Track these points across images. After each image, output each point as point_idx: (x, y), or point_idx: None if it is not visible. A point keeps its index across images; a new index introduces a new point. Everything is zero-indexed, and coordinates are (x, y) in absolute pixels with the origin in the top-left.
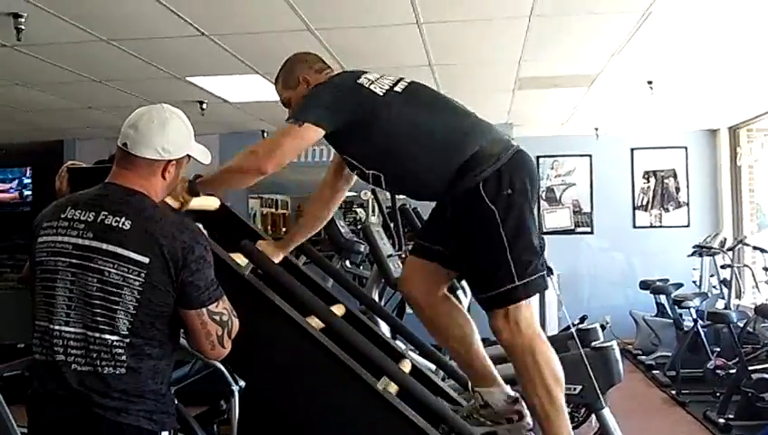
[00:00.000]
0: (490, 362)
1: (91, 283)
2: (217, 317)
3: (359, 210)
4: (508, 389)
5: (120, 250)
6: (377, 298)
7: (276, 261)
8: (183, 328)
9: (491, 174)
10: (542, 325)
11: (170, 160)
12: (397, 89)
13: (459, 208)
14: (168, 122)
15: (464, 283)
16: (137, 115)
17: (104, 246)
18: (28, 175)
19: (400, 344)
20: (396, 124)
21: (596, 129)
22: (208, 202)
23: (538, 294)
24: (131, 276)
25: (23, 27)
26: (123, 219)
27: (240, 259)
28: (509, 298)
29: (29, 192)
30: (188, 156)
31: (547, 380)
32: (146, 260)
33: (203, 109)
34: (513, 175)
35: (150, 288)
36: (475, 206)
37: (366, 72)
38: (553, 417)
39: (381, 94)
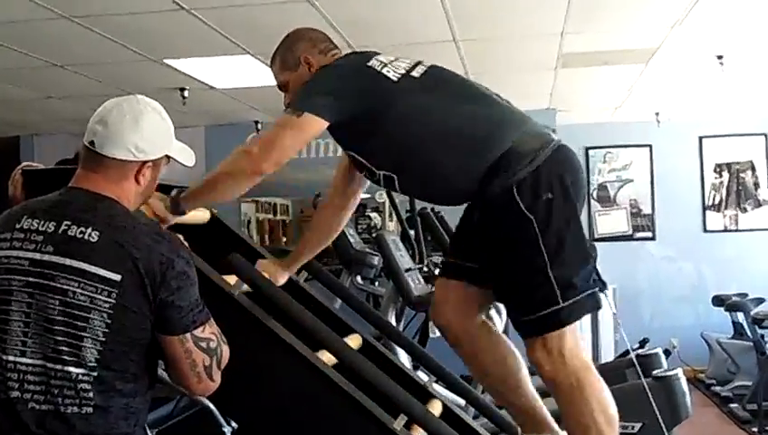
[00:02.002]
0: (541, 404)
1: (51, 305)
2: (204, 344)
3: (373, 215)
4: None
5: (86, 266)
6: (393, 321)
7: (280, 282)
8: (163, 358)
9: (527, 175)
10: (594, 351)
11: (145, 162)
12: (414, 74)
13: (489, 214)
14: (143, 116)
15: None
16: (106, 108)
17: (67, 261)
18: None
19: (422, 376)
20: (412, 116)
21: (656, 114)
22: (195, 216)
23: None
24: (100, 297)
25: None
26: (90, 230)
27: (232, 281)
28: (551, 323)
29: None
30: (167, 157)
31: (598, 420)
32: (117, 277)
33: (184, 97)
34: (554, 176)
35: (123, 311)
36: (509, 213)
37: (378, 54)
38: None
39: (395, 80)
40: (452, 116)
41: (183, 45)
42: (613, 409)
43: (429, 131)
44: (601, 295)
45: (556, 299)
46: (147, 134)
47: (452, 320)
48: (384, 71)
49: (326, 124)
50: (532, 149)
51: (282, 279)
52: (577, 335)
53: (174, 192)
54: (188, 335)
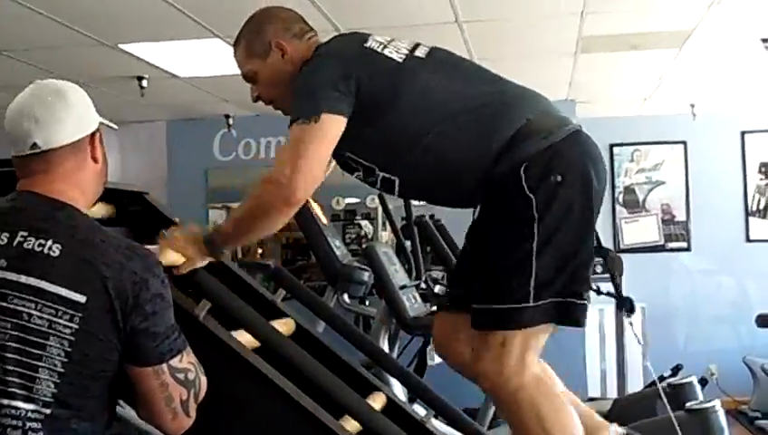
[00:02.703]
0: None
1: (3, 329)
2: (182, 375)
3: (363, 223)
4: None
5: (44, 285)
6: (386, 347)
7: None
8: (132, 393)
9: (539, 151)
10: (620, 380)
11: (93, 134)
12: (418, 54)
13: (492, 195)
14: (66, 93)
15: None
16: (19, 108)
17: (23, 278)
18: None
19: (420, 410)
20: (424, 98)
21: (692, 106)
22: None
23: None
24: (61, 321)
25: None
26: (50, 243)
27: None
28: (509, 320)
29: None
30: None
31: None
32: (81, 299)
33: (142, 87)
34: (568, 159)
35: (87, 338)
36: (510, 193)
37: (371, 35)
38: None
39: (400, 61)
40: (464, 98)
41: (141, 28)
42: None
43: (441, 117)
44: (585, 311)
45: (527, 296)
46: (79, 105)
47: (463, 354)
48: (386, 52)
49: (345, 119)
50: (546, 127)
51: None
52: (536, 345)
53: (204, 232)
54: (164, 366)
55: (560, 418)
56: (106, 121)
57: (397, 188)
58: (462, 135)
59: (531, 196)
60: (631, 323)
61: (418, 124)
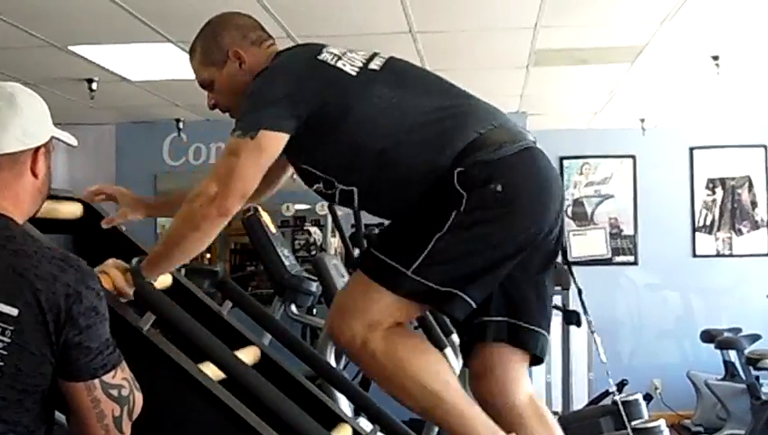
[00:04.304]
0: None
1: None
2: (115, 392)
3: (313, 230)
4: None
5: None
6: (332, 360)
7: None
8: (65, 407)
9: (485, 161)
10: (565, 393)
11: (37, 148)
12: (373, 66)
13: (424, 198)
14: (16, 98)
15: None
16: None
17: None
18: None
19: (365, 424)
20: (377, 113)
21: (642, 120)
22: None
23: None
24: None
25: None
26: None
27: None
28: (385, 275)
29: None
30: (53, 139)
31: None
32: (13, 312)
33: (92, 90)
34: (516, 174)
35: (19, 352)
36: (444, 187)
37: (326, 46)
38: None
39: (354, 74)
40: (419, 111)
41: (92, 30)
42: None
43: (395, 130)
44: (463, 309)
45: (409, 264)
46: (29, 116)
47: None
48: (339, 64)
49: (286, 137)
50: (499, 141)
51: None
52: (394, 314)
53: (134, 262)
54: (96, 382)
55: (422, 357)
56: (63, 137)
57: (356, 201)
58: (415, 149)
59: (462, 192)
60: (595, 340)
61: (371, 138)
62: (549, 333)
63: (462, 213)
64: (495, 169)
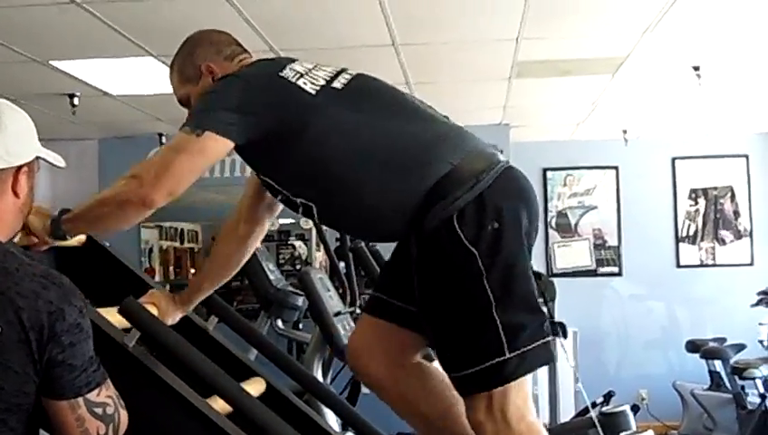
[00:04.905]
0: None
1: None
2: (100, 410)
3: (297, 244)
4: None
5: None
6: (319, 375)
7: (174, 319)
8: (49, 426)
9: (469, 202)
10: (552, 407)
11: (20, 167)
12: (336, 85)
13: (429, 250)
14: (3, 115)
15: None
16: None
17: None
18: None
19: None
20: (332, 135)
21: (624, 132)
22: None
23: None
24: None
25: None
26: None
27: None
28: (495, 378)
29: None
30: (38, 159)
31: None
32: None
33: (74, 105)
34: (501, 202)
35: (2, 370)
36: (449, 246)
37: (294, 61)
38: None
39: (313, 93)
40: (379, 135)
41: (73, 44)
42: None
43: (352, 153)
44: (557, 343)
45: (502, 349)
46: (13, 134)
47: (373, 365)
48: (300, 82)
49: (231, 145)
50: (473, 173)
51: (177, 316)
52: (526, 393)
53: (56, 213)
54: (81, 400)
55: None
56: (49, 158)
57: (316, 215)
58: (378, 177)
59: (473, 250)
60: (563, 346)
61: (326, 160)
62: None
63: (487, 271)
64: (482, 206)
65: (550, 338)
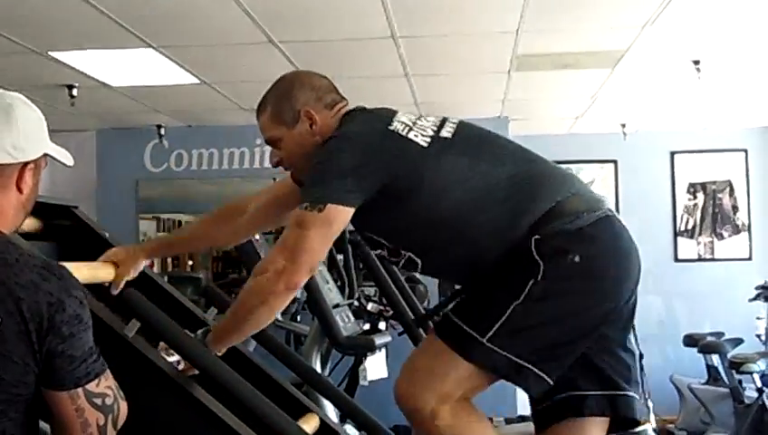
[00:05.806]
0: None
1: None
2: (99, 400)
3: None
4: None
5: None
6: (318, 366)
7: (135, 272)
8: (48, 416)
9: (557, 231)
10: None
11: (26, 163)
12: (444, 133)
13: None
14: (14, 110)
15: None
16: None
17: None
18: None
19: (351, 431)
20: (449, 184)
21: (623, 125)
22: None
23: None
24: None
25: None
26: None
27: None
28: (462, 343)
29: None
30: (46, 156)
31: None
32: None
33: (73, 96)
34: (596, 246)
35: (1, 361)
36: (521, 255)
37: (396, 114)
38: None
39: (425, 145)
40: (492, 179)
41: (72, 35)
42: None
43: (470, 200)
44: (541, 385)
45: (485, 332)
46: (22, 130)
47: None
48: (411, 135)
49: (353, 210)
50: (576, 210)
51: (139, 265)
52: (467, 385)
53: (199, 333)
54: (80, 391)
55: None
56: (58, 156)
57: (419, 268)
58: (491, 223)
59: (540, 261)
60: None
61: (443, 212)
62: (639, 390)
63: (539, 282)
64: (573, 239)
65: (535, 370)
